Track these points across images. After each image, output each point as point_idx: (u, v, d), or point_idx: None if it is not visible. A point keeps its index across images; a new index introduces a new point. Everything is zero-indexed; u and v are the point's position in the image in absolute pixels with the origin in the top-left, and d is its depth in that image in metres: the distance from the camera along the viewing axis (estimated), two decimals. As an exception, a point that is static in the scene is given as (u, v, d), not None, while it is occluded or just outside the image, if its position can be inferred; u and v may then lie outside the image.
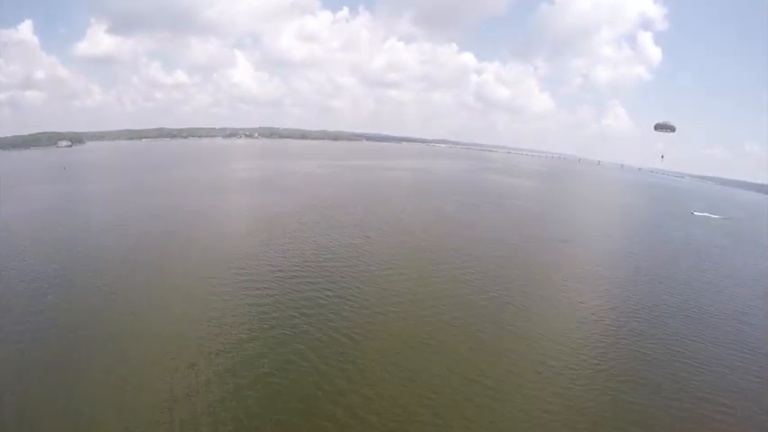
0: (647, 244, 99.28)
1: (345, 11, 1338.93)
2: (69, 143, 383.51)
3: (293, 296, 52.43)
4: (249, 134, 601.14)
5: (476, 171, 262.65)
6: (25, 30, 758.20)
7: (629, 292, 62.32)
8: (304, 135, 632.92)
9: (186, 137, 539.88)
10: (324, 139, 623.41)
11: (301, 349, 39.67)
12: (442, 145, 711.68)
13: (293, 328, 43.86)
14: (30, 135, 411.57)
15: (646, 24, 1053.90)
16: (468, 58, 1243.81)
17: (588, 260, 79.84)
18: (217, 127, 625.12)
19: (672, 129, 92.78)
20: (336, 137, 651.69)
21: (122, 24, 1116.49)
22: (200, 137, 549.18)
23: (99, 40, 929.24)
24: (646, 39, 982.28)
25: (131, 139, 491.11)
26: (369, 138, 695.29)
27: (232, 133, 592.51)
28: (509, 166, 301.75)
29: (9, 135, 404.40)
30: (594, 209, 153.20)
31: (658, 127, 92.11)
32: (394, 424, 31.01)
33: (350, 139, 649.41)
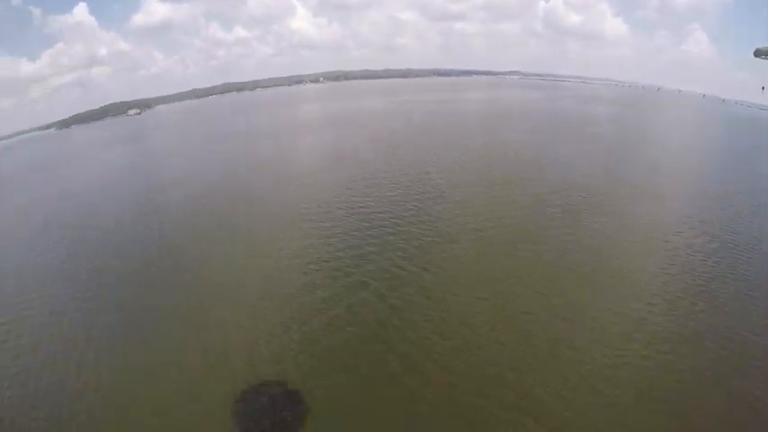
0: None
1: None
2: (138, 111, 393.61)
3: (364, 229, 50.87)
4: (314, 80, 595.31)
5: (551, 100, 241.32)
6: (81, 12, 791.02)
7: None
8: (371, 75, 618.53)
9: (253, 89, 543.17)
10: (391, 77, 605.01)
11: (374, 285, 38.10)
12: (514, 77, 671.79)
13: (364, 259, 42.98)
14: (101, 107, 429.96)
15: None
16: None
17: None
18: (282, 76, 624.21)
19: (775, 55, 72.71)
20: (404, 75, 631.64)
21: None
22: (265, 87, 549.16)
23: (153, 10, 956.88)
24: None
25: (198, 97, 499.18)
26: (438, 73, 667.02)
27: (297, 80, 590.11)
28: (584, 95, 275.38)
29: (82, 111, 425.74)
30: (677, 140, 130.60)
31: (759, 53, 72.50)
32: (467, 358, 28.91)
33: (418, 76, 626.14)
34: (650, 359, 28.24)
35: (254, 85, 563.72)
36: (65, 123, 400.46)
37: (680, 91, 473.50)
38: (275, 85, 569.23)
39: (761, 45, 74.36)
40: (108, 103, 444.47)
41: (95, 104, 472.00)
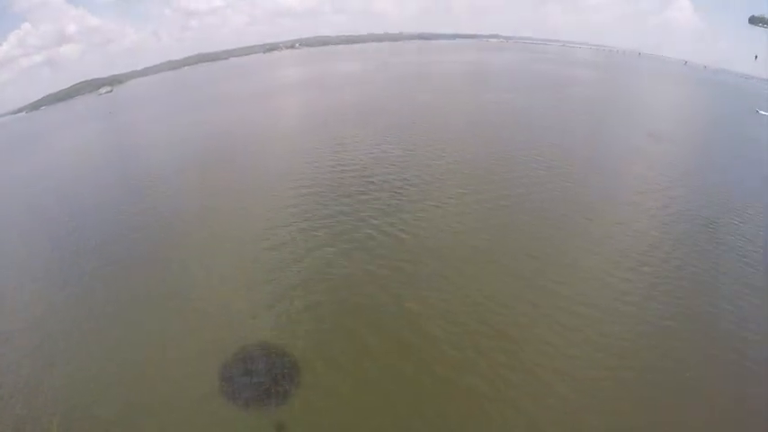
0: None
1: None
2: (110, 88, 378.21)
3: (342, 191, 53.16)
4: (290, 46, 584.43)
5: (532, 62, 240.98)
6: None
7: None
8: (349, 41, 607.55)
9: (227, 58, 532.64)
10: (369, 41, 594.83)
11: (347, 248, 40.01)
12: (494, 40, 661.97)
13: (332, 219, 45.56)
14: (71, 86, 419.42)
15: None
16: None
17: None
18: (257, 44, 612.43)
19: (771, 23, 73.08)
20: (382, 38, 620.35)
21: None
22: (240, 56, 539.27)
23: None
24: None
25: (172, 69, 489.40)
26: (417, 37, 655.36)
27: (272, 47, 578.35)
28: (565, 59, 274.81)
29: (55, 91, 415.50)
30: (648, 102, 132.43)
31: (755, 20, 72.84)
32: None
33: (396, 40, 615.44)
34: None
35: (228, 55, 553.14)
36: (35, 106, 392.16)
37: (660, 57, 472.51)
38: (250, 53, 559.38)
39: (756, 13, 75.31)
40: (78, 81, 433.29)
41: (67, 84, 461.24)
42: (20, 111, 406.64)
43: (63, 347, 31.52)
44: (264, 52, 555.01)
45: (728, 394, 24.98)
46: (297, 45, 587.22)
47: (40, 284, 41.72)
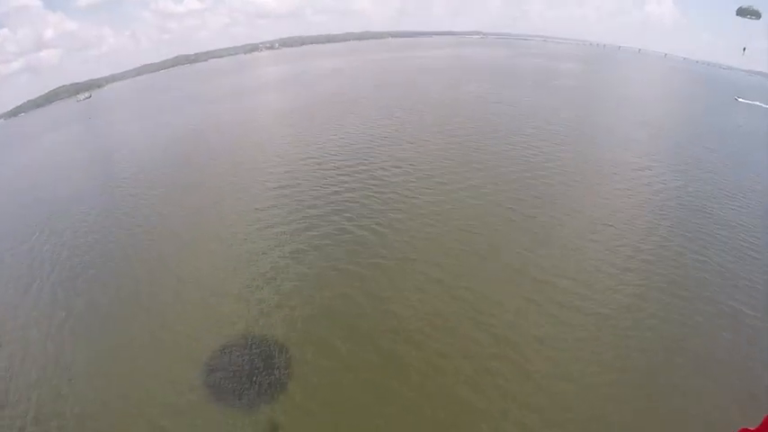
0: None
1: None
2: (88, 94, 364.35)
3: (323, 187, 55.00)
4: (270, 46, 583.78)
5: (514, 57, 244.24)
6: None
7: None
8: (329, 40, 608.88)
9: (206, 59, 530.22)
10: (349, 40, 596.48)
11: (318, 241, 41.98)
12: (475, 36, 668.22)
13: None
14: (49, 92, 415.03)
15: None
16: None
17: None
18: (237, 45, 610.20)
19: (757, 15, 76.27)
20: (362, 37, 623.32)
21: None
22: (219, 57, 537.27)
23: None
24: None
25: (151, 72, 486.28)
26: (397, 35, 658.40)
27: (252, 48, 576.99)
28: (546, 53, 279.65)
29: (33, 98, 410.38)
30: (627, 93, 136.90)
31: (741, 12, 76.04)
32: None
33: (377, 38, 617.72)
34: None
35: (207, 56, 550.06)
36: (13, 113, 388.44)
37: (639, 50, 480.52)
38: (229, 55, 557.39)
39: (744, 4, 78.22)
40: (56, 86, 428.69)
41: (46, 89, 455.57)
42: None
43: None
44: (245, 53, 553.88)
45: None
46: (276, 45, 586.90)
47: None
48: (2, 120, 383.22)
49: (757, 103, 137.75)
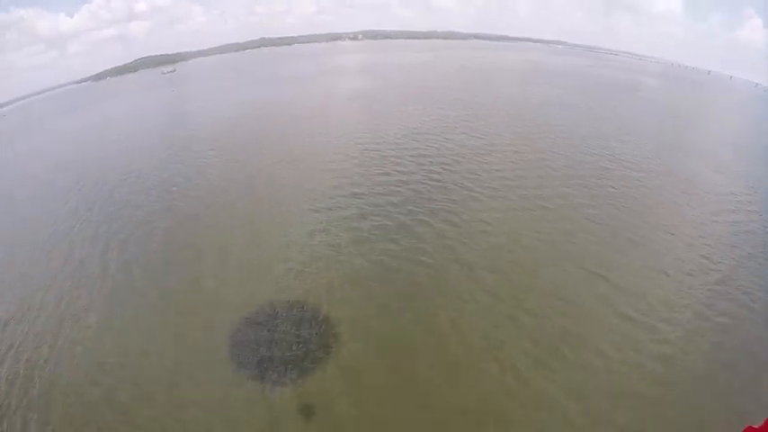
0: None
1: None
2: (173, 68, 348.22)
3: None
4: (353, 37, 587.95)
5: (599, 67, 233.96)
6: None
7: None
8: (411, 36, 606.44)
9: (290, 44, 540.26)
10: (432, 38, 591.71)
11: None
12: (559, 46, 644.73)
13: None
14: (135, 60, 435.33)
15: None
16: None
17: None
18: (321, 33, 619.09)
19: None
20: (446, 36, 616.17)
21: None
22: (303, 43, 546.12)
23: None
24: None
25: (235, 51, 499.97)
26: (481, 37, 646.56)
27: (335, 37, 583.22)
28: (632, 68, 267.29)
29: (119, 65, 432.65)
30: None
31: None
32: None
33: (461, 38, 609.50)
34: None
35: (292, 41, 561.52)
36: (100, 76, 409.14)
37: (731, 77, 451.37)
38: (313, 42, 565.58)
39: None
40: (143, 56, 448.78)
41: (132, 58, 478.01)
42: (84, 80, 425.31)
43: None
44: (328, 41, 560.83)
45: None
46: (360, 36, 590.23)
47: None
48: (89, 82, 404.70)
49: None
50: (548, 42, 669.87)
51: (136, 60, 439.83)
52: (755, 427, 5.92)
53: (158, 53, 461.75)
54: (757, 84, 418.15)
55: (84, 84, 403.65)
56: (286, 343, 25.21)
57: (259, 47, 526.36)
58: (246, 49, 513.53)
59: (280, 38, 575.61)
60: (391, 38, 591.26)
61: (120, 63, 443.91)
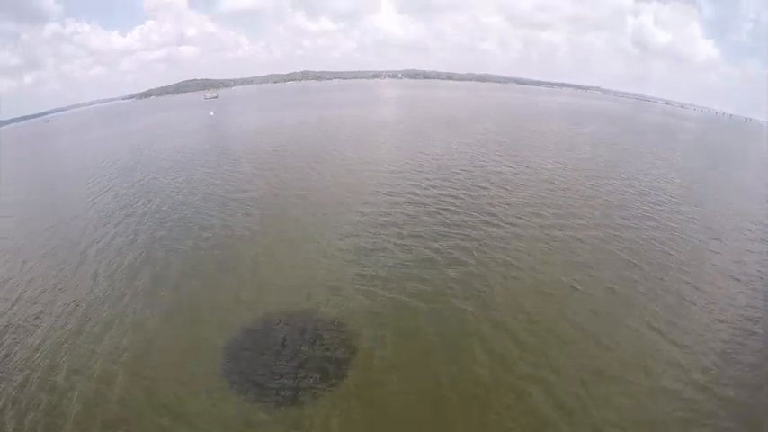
0: None
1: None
2: (216, 94, 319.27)
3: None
4: (393, 75, 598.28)
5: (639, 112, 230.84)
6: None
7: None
8: (450, 77, 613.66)
9: (331, 79, 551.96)
10: (470, 80, 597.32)
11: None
12: (596, 92, 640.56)
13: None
14: (179, 82, 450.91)
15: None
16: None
17: None
18: (361, 70, 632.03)
19: None
20: (483, 79, 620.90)
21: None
22: (343, 78, 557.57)
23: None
24: None
25: (276, 82, 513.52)
26: (519, 81, 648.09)
27: (375, 75, 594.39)
28: (669, 113, 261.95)
29: (164, 85, 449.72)
30: None
31: None
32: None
33: (498, 82, 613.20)
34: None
35: (332, 76, 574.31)
36: (145, 95, 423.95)
37: None
38: (353, 78, 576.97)
39: None
40: (187, 79, 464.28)
41: (178, 80, 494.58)
42: (131, 97, 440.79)
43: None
44: (368, 78, 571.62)
45: None
46: (399, 75, 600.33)
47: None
48: (135, 99, 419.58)
49: None
50: (584, 88, 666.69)
51: (180, 82, 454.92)
52: None
53: (203, 77, 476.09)
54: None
55: (128, 100, 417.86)
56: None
57: (302, 79, 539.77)
58: (289, 80, 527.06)
59: (322, 71, 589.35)
60: (431, 77, 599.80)
61: (166, 83, 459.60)
